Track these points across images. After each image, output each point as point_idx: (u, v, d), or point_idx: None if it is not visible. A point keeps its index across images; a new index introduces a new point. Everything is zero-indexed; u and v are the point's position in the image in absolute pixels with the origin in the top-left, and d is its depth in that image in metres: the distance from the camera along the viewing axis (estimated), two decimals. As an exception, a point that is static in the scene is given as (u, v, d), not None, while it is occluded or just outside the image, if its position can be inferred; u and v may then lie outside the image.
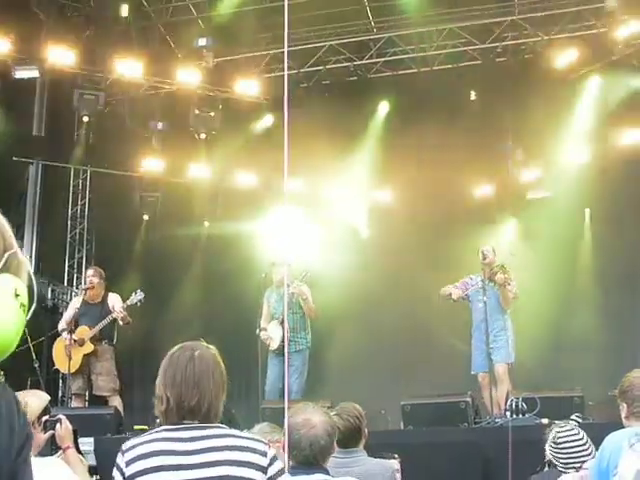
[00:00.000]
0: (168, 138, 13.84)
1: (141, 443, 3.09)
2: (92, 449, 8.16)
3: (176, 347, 3.28)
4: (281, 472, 3.13)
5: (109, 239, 14.58)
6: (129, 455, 3.06)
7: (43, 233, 14.31)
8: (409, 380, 11.98)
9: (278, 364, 9.90)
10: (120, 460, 3.07)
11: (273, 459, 3.11)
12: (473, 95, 13.62)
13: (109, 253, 14.35)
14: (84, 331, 10.09)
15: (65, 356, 10.11)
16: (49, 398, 4.51)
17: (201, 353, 3.21)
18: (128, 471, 3.03)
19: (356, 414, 4.99)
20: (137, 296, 9.93)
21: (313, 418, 3.86)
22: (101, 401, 10.34)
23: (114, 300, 10.11)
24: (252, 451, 3.08)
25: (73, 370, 10.19)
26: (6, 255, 1.61)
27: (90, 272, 10.40)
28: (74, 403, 10.65)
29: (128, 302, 9.92)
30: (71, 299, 14.20)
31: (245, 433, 3.30)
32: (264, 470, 3.06)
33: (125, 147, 14.14)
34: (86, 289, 10.24)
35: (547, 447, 5.83)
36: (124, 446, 3.09)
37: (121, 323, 10.01)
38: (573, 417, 6.73)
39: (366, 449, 5.19)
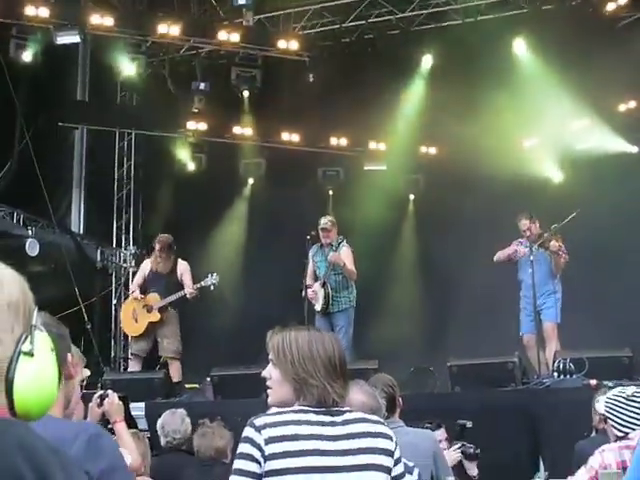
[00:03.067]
0: (210, 98, 13.77)
1: (279, 423, 2.92)
2: (143, 414, 8.34)
3: (299, 329, 3.13)
4: (401, 456, 3.09)
5: (156, 200, 14.67)
6: (268, 433, 2.88)
7: (90, 196, 14.46)
8: (455, 341, 11.94)
9: (324, 324, 9.93)
10: (255, 436, 2.88)
11: (396, 442, 3.06)
12: (519, 45, 13.30)
13: (156, 214, 14.47)
14: (153, 299, 10.35)
15: (132, 319, 10.46)
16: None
17: (325, 336, 3.11)
18: (268, 449, 2.86)
19: (389, 383, 5.00)
20: (212, 279, 10.16)
21: (352, 397, 3.80)
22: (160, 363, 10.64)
23: (183, 269, 10.31)
24: (384, 437, 3.02)
25: (137, 334, 10.48)
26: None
27: (159, 241, 10.47)
28: (131, 363, 10.92)
29: (202, 283, 10.16)
30: (120, 260, 14.44)
31: (373, 416, 3.19)
32: (393, 454, 3.02)
33: (168, 108, 14.15)
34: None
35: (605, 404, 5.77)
36: (257, 422, 2.91)
37: (190, 297, 10.19)
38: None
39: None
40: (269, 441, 2.87)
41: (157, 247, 10.48)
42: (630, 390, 4.54)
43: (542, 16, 13.14)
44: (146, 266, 10.65)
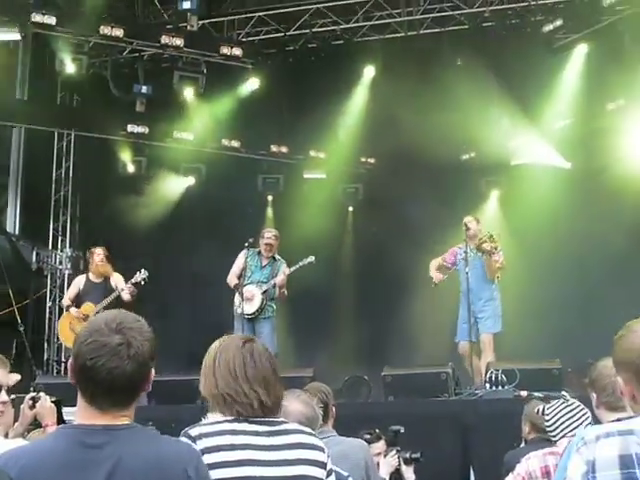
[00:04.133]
0: (152, 102, 13.72)
1: (215, 433, 2.93)
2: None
3: (226, 339, 3.16)
4: (332, 468, 3.12)
5: (93, 202, 14.56)
6: (204, 443, 2.88)
7: (27, 196, 14.26)
8: (394, 350, 12.08)
9: (248, 329, 9.96)
10: None
11: (328, 454, 3.10)
12: (459, 60, 13.55)
13: (94, 217, 14.35)
14: (89, 308, 10.36)
15: (69, 331, 10.39)
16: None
17: (257, 346, 3.12)
18: (205, 460, 2.78)
19: (324, 392, 5.05)
20: (141, 275, 10.21)
21: (290, 406, 3.83)
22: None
23: (117, 279, 10.38)
24: (317, 449, 3.05)
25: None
26: None
27: (99, 250, 10.57)
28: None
29: (133, 280, 10.20)
30: (55, 262, 14.29)
31: (306, 428, 3.20)
32: (325, 466, 3.05)
33: (109, 110, 14.03)
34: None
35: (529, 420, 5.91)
36: (193, 432, 2.91)
37: (127, 298, 10.16)
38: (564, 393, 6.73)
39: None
40: (205, 451, 2.87)
41: (93, 258, 10.58)
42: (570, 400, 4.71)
43: (482, 33, 13.41)
44: (80, 280, 10.73)
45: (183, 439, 2.90)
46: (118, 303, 10.30)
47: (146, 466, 2.33)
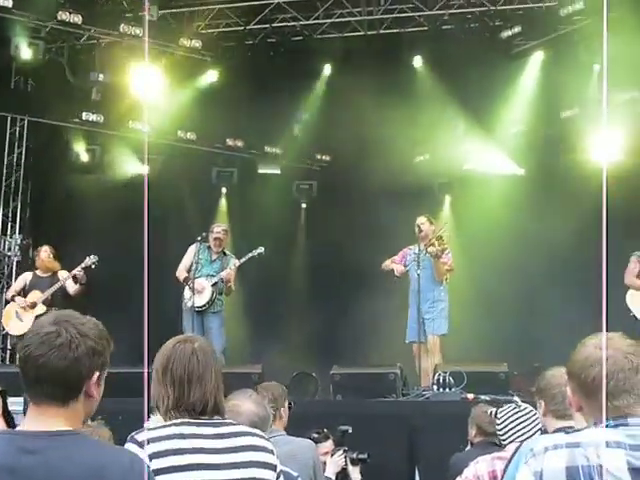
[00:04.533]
0: (109, 90, 13.58)
1: (162, 437, 2.93)
2: (22, 409, 8.16)
3: (171, 341, 3.16)
4: (281, 469, 3.14)
5: (45, 189, 14.39)
6: (152, 448, 2.87)
7: (-23, 181, 14.07)
8: (345, 348, 12.14)
9: (197, 323, 9.97)
10: (139, 452, 2.82)
11: (277, 455, 3.11)
12: (418, 61, 13.64)
13: (45, 203, 14.19)
14: (36, 295, 10.44)
15: (16, 319, 10.50)
16: None
17: (201, 345, 3.13)
18: (153, 465, 2.82)
19: (274, 393, 5.07)
20: (91, 259, 10.27)
21: (242, 405, 3.84)
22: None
23: (63, 274, 10.48)
24: (267, 451, 3.06)
25: (23, 332, 10.32)
26: None
27: (45, 248, 10.71)
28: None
29: (83, 265, 10.25)
30: (4, 248, 14.10)
31: (255, 430, 3.20)
32: (275, 468, 3.07)
33: (64, 97, 13.86)
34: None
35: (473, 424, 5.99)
36: (139, 437, 2.89)
37: (73, 289, 10.32)
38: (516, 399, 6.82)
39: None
40: (153, 456, 2.87)
41: (39, 256, 10.70)
42: (522, 405, 4.78)
43: (442, 35, 13.50)
44: (27, 275, 10.84)
45: (130, 445, 2.91)
46: (65, 295, 10.34)
47: (84, 475, 2.25)
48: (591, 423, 2.45)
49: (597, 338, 2.49)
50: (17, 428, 2.45)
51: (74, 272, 10.26)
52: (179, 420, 3.00)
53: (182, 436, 2.95)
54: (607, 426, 2.38)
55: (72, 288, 10.34)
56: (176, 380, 3.04)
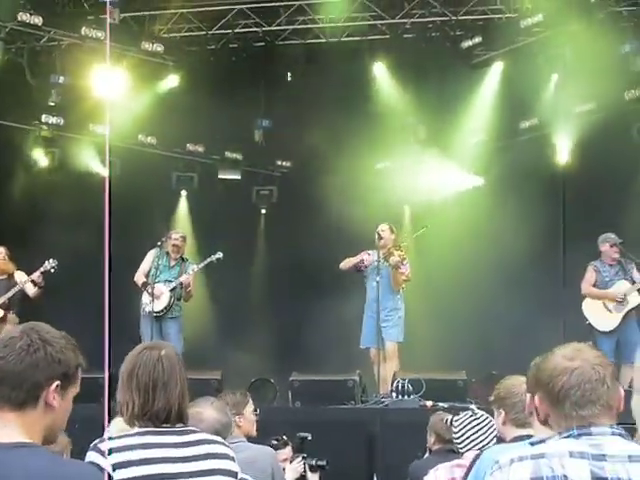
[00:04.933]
0: (69, 93, 13.47)
1: (126, 447, 2.92)
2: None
3: (139, 347, 3.17)
4: (243, 478, 3.19)
5: (2, 191, 14.22)
6: (115, 458, 2.87)
7: None
8: (305, 354, 12.14)
9: (156, 328, 9.98)
10: (102, 461, 2.84)
11: (237, 462, 3.14)
12: (379, 69, 13.71)
13: (2, 206, 14.02)
14: None
15: None
16: None
17: (167, 352, 3.13)
18: (117, 475, 2.83)
19: (235, 399, 5.09)
20: (50, 263, 10.23)
21: (204, 412, 3.87)
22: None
23: (20, 275, 10.43)
24: (228, 458, 3.09)
25: None
26: None
27: (0, 249, 10.65)
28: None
29: (42, 269, 10.23)
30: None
31: (216, 437, 3.22)
32: (236, 476, 3.10)
33: (23, 99, 13.72)
34: None
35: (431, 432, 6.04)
36: (102, 447, 2.88)
37: (32, 292, 10.27)
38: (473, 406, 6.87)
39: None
40: (117, 467, 2.87)
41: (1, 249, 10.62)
42: (479, 413, 4.82)
43: (402, 44, 13.57)
44: None
45: (92, 453, 2.90)
46: (24, 297, 10.25)
47: None
48: (556, 432, 2.49)
49: (566, 349, 2.54)
50: None
51: (32, 277, 10.19)
52: (143, 429, 3.01)
53: (146, 446, 2.96)
54: (570, 436, 2.42)
55: (31, 291, 10.30)
56: (141, 386, 3.05)
